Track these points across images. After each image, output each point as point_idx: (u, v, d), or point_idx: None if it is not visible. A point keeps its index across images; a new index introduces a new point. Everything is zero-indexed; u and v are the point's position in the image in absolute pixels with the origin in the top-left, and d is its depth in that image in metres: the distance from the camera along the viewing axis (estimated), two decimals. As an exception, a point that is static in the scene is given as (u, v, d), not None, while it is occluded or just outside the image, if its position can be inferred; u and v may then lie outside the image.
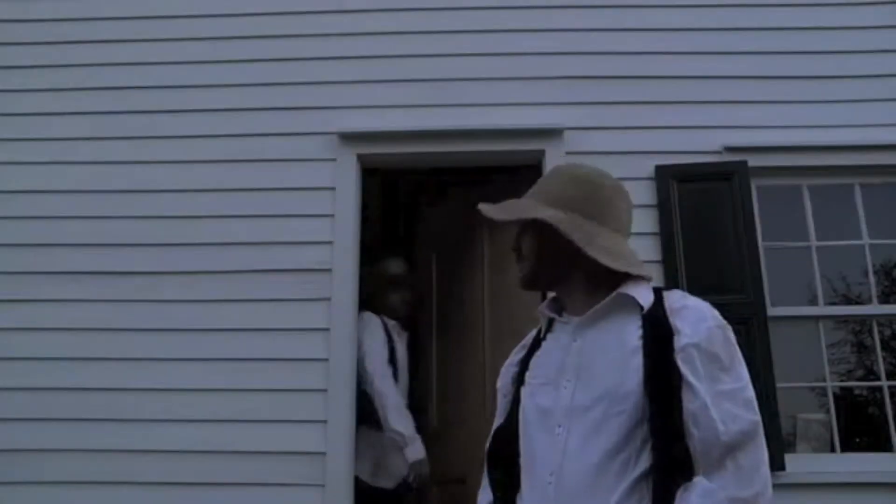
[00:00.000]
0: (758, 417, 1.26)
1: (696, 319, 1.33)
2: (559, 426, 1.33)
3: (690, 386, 1.26)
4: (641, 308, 1.36)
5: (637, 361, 1.31)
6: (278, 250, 3.25)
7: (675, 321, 1.33)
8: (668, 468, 1.25)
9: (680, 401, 1.26)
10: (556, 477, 1.29)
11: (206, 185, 3.37)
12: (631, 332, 1.35)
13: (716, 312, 1.35)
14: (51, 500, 3.00)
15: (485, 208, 1.53)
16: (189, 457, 3.01)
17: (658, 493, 1.25)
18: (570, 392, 1.34)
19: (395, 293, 3.47)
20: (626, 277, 1.41)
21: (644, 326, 1.34)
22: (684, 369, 1.27)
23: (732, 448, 1.22)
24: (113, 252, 3.30)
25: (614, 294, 1.39)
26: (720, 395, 1.25)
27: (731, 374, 1.29)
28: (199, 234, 3.30)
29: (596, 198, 1.45)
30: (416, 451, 3.08)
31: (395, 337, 3.38)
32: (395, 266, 3.54)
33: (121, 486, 3.00)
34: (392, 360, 3.28)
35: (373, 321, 3.32)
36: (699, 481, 1.22)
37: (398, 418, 3.10)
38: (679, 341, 1.30)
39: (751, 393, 1.28)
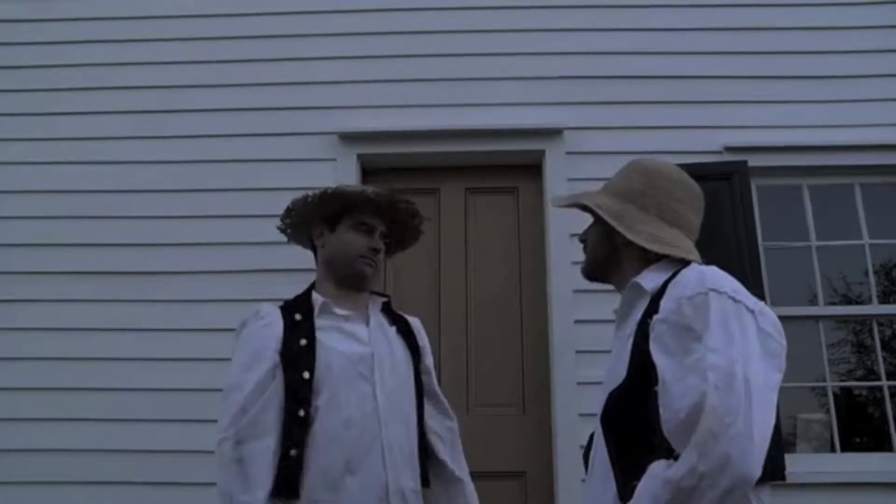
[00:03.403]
0: (707, 386, 1.12)
1: (675, 293, 1.26)
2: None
3: (657, 366, 1.20)
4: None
5: (628, 348, 1.31)
6: (278, 250, 3.22)
7: (662, 299, 1.28)
8: (633, 454, 1.22)
9: (653, 383, 1.21)
10: (589, 474, 1.41)
11: (206, 185, 3.37)
12: (634, 320, 1.35)
13: (706, 280, 1.25)
14: (51, 500, 3.00)
15: (553, 198, 1.62)
16: (191, 457, 3.01)
17: (618, 480, 1.24)
18: (604, 390, 1.38)
19: (357, 235, 1.91)
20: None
21: (645, 310, 1.33)
22: (652, 348, 1.23)
23: (689, 424, 1.11)
24: (113, 252, 3.30)
25: (630, 284, 1.41)
26: (686, 369, 1.16)
27: (701, 342, 1.17)
28: (200, 233, 3.30)
29: (652, 189, 1.45)
30: None
31: (354, 327, 1.86)
32: (357, 188, 2.00)
33: (123, 486, 3.00)
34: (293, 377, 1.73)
35: (264, 316, 1.84)
36: (652, 465, 1.17)
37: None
38: (653, 319, 1.26)
39: (714, 359, 1.14)
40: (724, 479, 1.06)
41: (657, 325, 1.23)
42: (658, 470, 1.15)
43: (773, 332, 1.24)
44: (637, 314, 1.35)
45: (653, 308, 1.29)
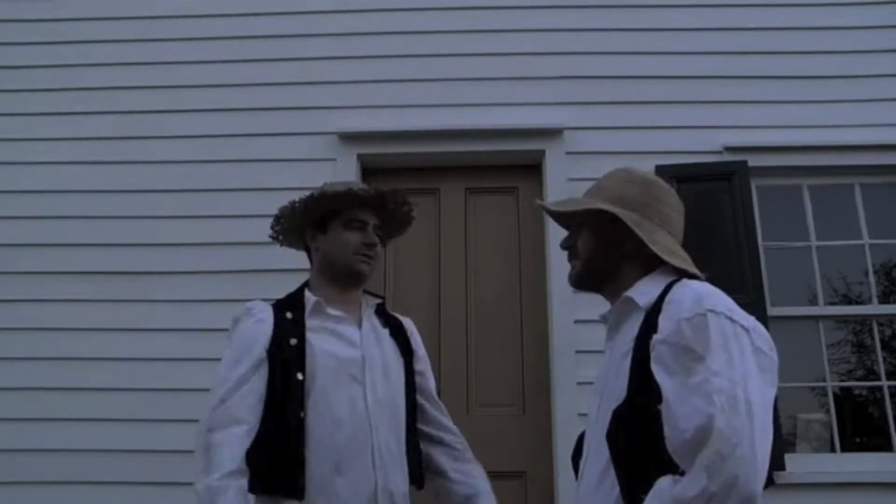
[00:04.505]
0: (714, 409, 1.15)
1: (672, 312, 1.28)
2: (589, 436, 1.40)
3: (660, 385, 1.22)
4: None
5: (626, 365, 1.31)
6: (278, 250, 3.20)
7: (660, 317, 1.29)
8: (637, 470, 1.23)
9: (657, 400, 1.22)
10: (580, 482, 1.41)
11: (206, 185, 3.37)
12: (629, 335, 1.35)
13: (703, 300, 1.28)
14: (51, 500, 3.00)
15: (546, 203, 1.58)
16: (191, 457, 2.99)
17: (625, 492, 1.25)
18: (596, 403, 1.41)
19: (351, 232, 1.87)
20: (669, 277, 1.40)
21: (641, 327, 1.33)
22: (654, 368, 1.25)
23: (695, 444, 1.15)
24: (113, 252, 3.30)
25: (621, 297, 1.41)
26: (690, 390, 1.19)
27: (704, 364, 1.20)
28: (200, 234, 3.30)
29: (652, 199, 1.47)
30: None
31: (345, 329, 1.83)
32: (342, 185, 1.91)
33: (123, 486, 3.00)
34: (282, 371, 1.73)
35: (256, 314, 1.85)
36: (659, 481, 1.19)
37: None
38: (653, 339, 1.27)
39: (719, 382, 1.17)
40: (732, 499, 1.11)
41: (657, 346, 1.26)
42: (665, 486, 1.18)
43: (765, 348, 1.28)
44: (631, 329, 1.35)
45: (649, 325, 1.30)
